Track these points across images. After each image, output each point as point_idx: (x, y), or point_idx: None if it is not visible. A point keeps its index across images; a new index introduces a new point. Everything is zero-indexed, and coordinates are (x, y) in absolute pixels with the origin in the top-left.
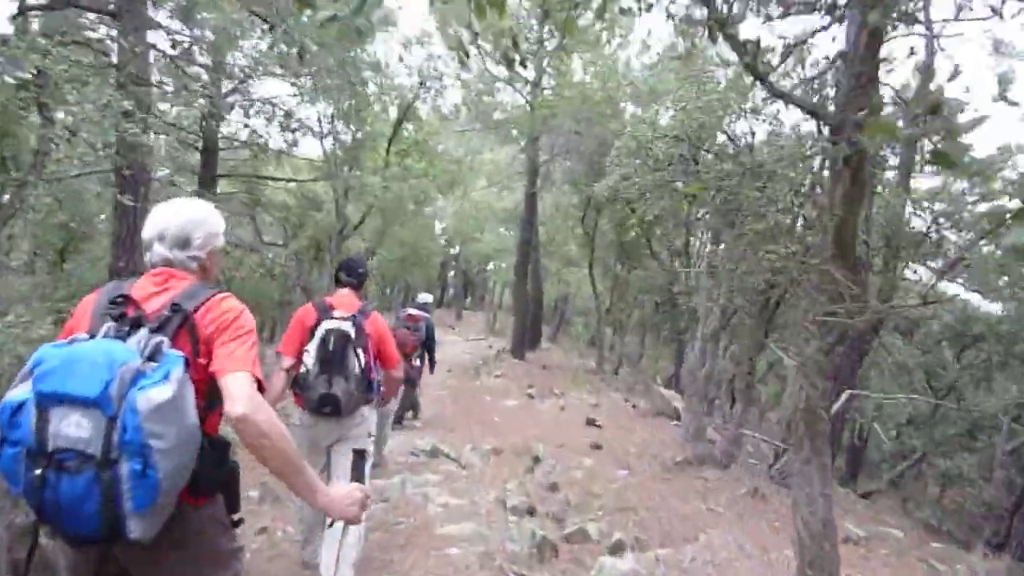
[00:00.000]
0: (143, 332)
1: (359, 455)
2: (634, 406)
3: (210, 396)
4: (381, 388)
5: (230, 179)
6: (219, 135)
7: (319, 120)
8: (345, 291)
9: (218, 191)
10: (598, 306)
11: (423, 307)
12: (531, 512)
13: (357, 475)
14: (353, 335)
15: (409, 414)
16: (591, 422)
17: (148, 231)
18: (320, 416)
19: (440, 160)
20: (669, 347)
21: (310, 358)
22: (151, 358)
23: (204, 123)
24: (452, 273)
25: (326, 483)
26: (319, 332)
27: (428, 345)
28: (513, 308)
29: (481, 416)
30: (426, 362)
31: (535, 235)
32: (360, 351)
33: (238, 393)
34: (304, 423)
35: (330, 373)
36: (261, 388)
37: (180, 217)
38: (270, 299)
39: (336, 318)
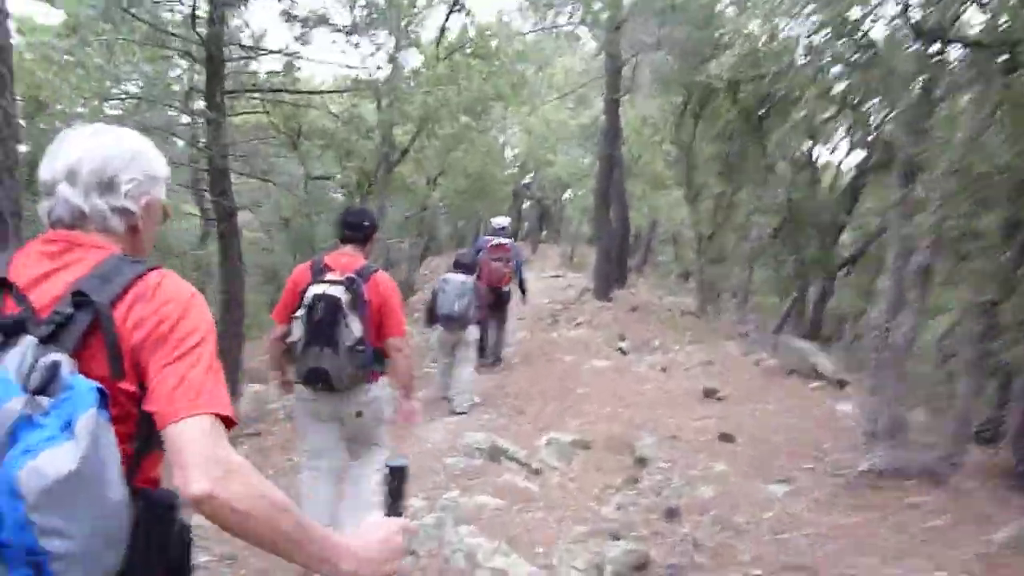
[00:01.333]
0: (27, 344)
1: (391, 474)
2: (757, 362)
3: (143, 436)
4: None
5: (244, 96)
6: (231, 43)
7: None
8: (347, 248)
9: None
10: (698, 233)
11: (501, 231)
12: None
13: (391, 498)
14: (346, 301)
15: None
16: (710, 393)
17: (49, 167)
18: (316, 390)
19: (500, 57)
20: (789, 284)
21: (298, 327)
22: (42, 391)
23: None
24: (526, 204)
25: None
26: (306, 298)
27: (520, 274)
28: (595, 240)
29: (561, 385)
30: (516, 291)
31: (618, 151)
32: (355, 319)
33: (194, 458)
34: (302, 396)
35: (319, 344)
36: (231, 425)
37: (101, 148)
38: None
39: (328, 281)
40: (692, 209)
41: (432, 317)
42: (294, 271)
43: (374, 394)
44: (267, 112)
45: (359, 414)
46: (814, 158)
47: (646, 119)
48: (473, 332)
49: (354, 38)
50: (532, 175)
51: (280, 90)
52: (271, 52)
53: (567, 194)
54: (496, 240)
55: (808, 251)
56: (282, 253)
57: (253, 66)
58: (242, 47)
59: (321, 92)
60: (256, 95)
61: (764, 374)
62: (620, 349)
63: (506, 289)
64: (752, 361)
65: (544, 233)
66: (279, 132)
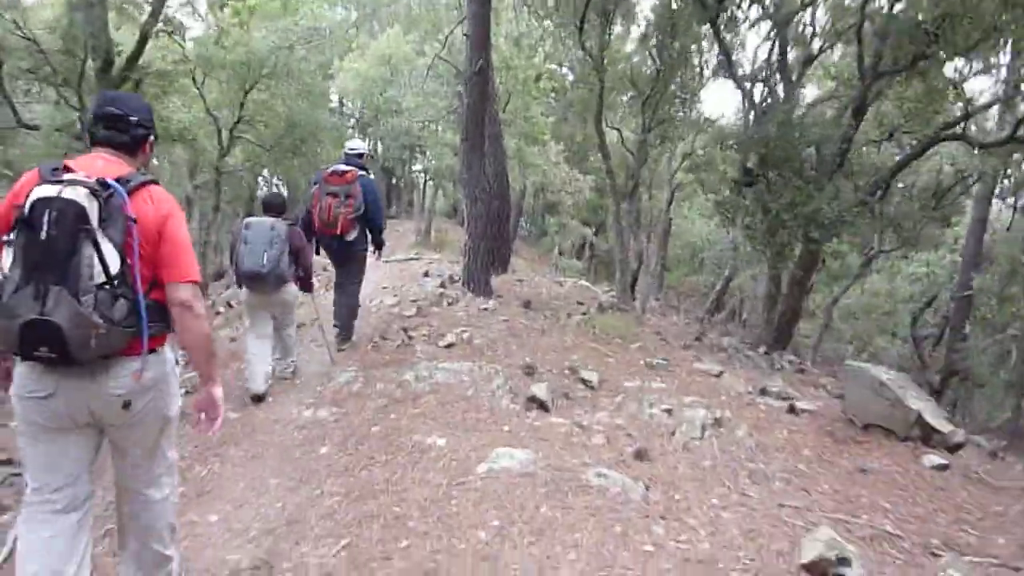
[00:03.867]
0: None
1: None
2: (791, 408)
3: None
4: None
5: None
6: None
7: None
8: (104, 152)
9: None
10: (614, 189)
11: (354, 157)
12: None
13: None
14: (93, 213)
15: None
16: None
17: None
18: (43, 369)
19: None
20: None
21: (7, 256)
22: None
23: None
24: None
25: None
26: (25, 207)
27: (371, 217)
28: (466, 207)
29: (402, 514)
30: (369, 242)
31: (490, 79)
32: (108, 244)
33: None
34: (24, 387)
35: (42, 282)
36: None
37: None
38: None
39: (64, 182)
40: (604, 151)
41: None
42: (20, 179)
43: (152, 372)
44: None
45: (126, 405)
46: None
47: (519, 40)
48: (291, 292)
49: None
50: (370, 132)
51: None
52: None
53: (419, 163)
54: (333, 167)
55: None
56: None
57: None
58: None
59: None
60: None
61: (822, 439)
62: (535, 401)
63: (349, 238)
64: (779, 407)
65: (393, 207)
66: None
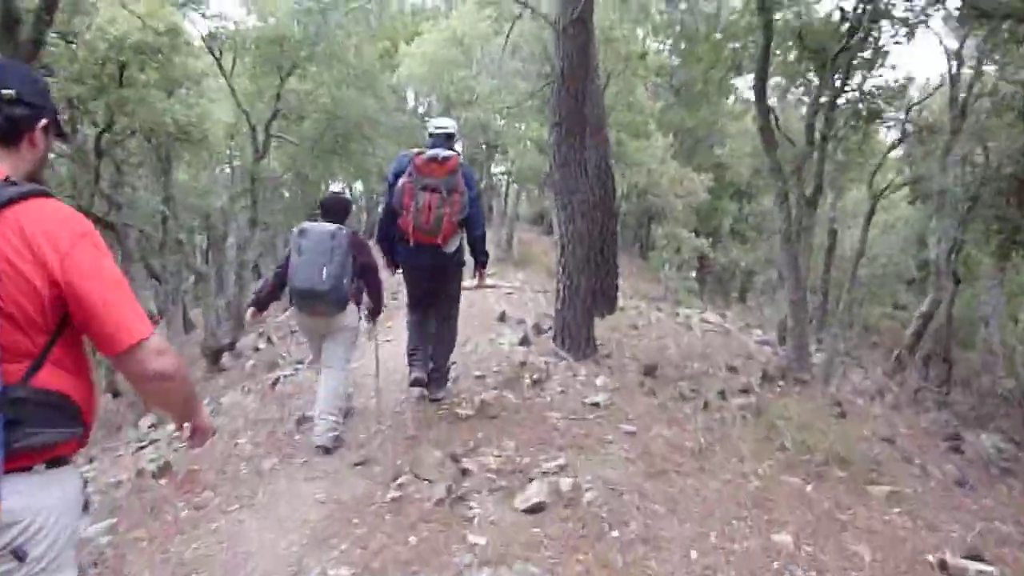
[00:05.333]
0: None
1: None
2: None
3: None
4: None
5: None
6: None
7: None
8: None
9: None
10: (782, 188)
11: (443, 139)
12: None
13: None
14: None
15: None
16: None
17: None
18: None
19: None
20: None
21: None
22: None
23: None
24: None
25: None
26: None
27: (473, 220)
28: (557, 215)
29: None
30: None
31: (592, 55)
32: None
33: None
34: None
35: None
36: None
37: None
38: None
39: None
40: (767, 146)
41: (272, 291)
42: None
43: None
44: None
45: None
46: None
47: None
48: (352, 316)
49: None
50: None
51: None
52: None
53: (499, 164)
54: (431, 152)
55: None
56: None
57: None
58: None
59: None
60: None
61: None
62: None
63: (449, 249)
64: None
65: None
66: None
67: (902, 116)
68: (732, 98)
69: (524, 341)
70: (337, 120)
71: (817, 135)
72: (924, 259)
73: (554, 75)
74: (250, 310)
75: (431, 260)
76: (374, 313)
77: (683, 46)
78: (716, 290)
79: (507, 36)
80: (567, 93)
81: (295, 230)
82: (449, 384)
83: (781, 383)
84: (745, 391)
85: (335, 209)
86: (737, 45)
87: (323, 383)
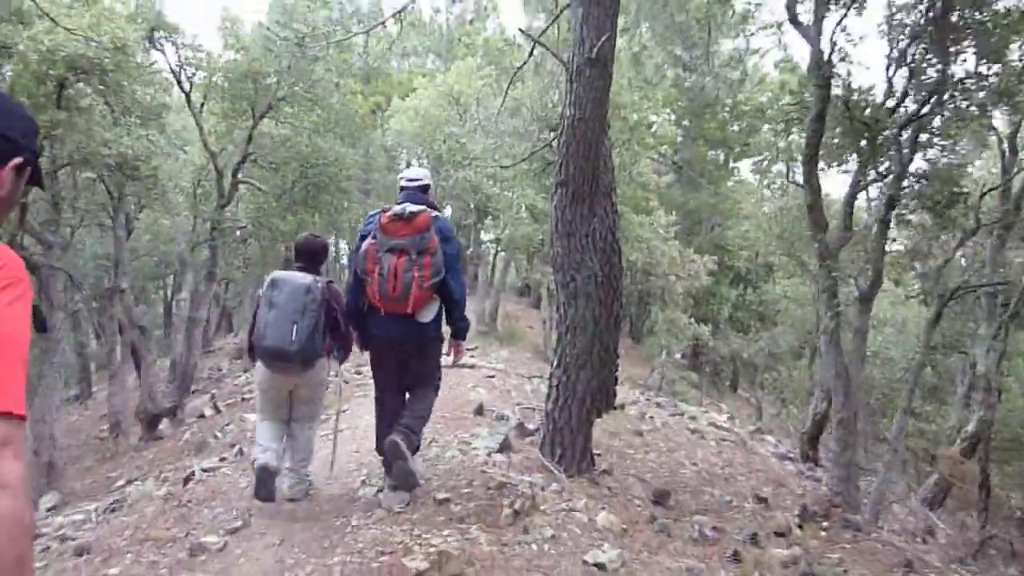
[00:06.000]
0: None
1: None
2: None
3: None
4: None
5: None
6: None
7: None
8: None
9: None
10: (826, 276)
11: (415, 189)
12: None
13: None
14: None
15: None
16: None
17: None
18: None
19: None
20: None
21: None
22: None
23: None
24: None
25: None
26: None
27: (449, 284)
28: (559, 283)
29: None
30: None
31: (604, 108)
32: None
33: None
34: None
35: None
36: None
37: None
38: None
39: None
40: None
41: (251, 347)
42: None
43: None
44: None
45: None
46: None
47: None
48: (323, 371)
49: None
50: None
51: None
52: None
53: (488, 231)
54: (397, 209)
55: None
56: None
57: None
58: None
59: None
60: None
61: None
62: None
63: (424, 319)
64: None
65: None
66: None
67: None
68: (732, 180)
69: (504, 446)
70: (311, 168)
71: (867, 218)
72: (943, 364)
73: (562, 126)
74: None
75: (401, 331)
76: (342, 360)
77: (686, 123)
78: (709, 379)
79: (507, 87)
80: (577, 148)
81: (267, 280)
82: (417, 463)
83: (826, 524)
84: (782, 534)
85: (310, 253)
86: (738, 127)
87: (292, 438)
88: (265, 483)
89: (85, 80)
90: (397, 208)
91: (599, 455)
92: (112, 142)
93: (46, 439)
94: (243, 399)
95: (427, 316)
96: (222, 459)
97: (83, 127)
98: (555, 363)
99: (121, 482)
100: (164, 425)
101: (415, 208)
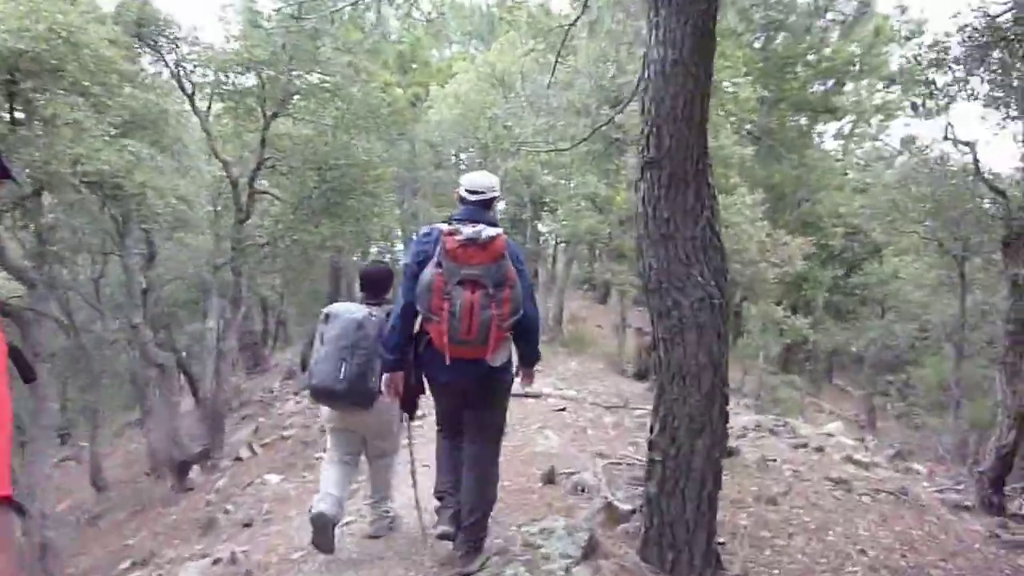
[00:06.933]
0: None
1: None
2: None
3: None
4: None
5: None
6: None
7: None
8: None
9: None
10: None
11: (477, 204)
12: None
13: None
14: None
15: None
16: None
17: None
18: None
19: None
20: None
21: None
22: None
23: None
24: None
25: None
26: None
27: (526, 318)
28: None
29: None
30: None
31: (709, 64)
32: None
33: None
34: None
35: None
36: None
37: None
38: None
39: None
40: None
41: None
42: None
43: None
44: None
45: None
46: None
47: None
48: (388, 409)
49: None
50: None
51: None
52: None
53: (545, 222)
54: (462, 229)
55: None
56: None
57: None
58: None
59: None
60: None
61: None
62: None
63: (496, 363)
64: None
65: None
66: None
67: None
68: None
69: (589, 550)
70: (330, 171)
71: None
72: None
73: (645, 75)
74: None
75: (472, 379)
76: (407, 402)
77: (763, 87)
78: (800, 368)
79: (559, 47)
80: (672, 106)
81: (323, 312)
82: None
83: None
84: None
85: (370, 282)
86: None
87: (369, 475)
88: (322, 531)
89: (39, 84)
90: (469, 231)
91: (723, 544)
92: (85, 158)
93: (36, 517)
94: (282, 437)
95: (500, 360)
96: (216, 561)
97: (45, 141)
98: (656, 427)
99: (125, 564)
100: (195, 473)
101: (492, 232)
